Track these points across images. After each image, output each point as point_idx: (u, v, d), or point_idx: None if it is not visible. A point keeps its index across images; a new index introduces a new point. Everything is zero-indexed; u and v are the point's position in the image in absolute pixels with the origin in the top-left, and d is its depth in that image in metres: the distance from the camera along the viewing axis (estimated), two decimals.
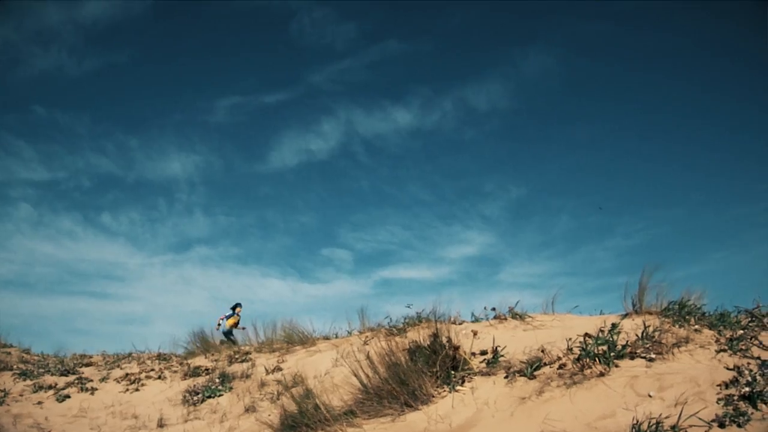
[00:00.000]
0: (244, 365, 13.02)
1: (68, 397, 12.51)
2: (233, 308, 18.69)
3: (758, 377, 5.64)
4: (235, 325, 18.33)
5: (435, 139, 37.24)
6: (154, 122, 39.35)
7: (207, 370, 13.41)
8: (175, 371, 13.87)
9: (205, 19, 37.19)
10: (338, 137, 36.36)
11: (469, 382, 7.40)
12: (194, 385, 11.87)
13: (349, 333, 13.75)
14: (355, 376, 7.73)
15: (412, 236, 35.82)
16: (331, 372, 10.51)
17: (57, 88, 38.10)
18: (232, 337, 18.18)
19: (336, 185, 38.20)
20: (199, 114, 37.93)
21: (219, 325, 18.04)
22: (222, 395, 11.33)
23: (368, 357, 7.86)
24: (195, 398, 11.26)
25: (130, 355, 17.33)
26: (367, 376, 7.62)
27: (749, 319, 8.83)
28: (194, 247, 38.20)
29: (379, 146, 36.49)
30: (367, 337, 12.33)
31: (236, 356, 14.00)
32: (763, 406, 5.33)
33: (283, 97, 36.61)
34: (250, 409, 10.06)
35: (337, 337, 13.86)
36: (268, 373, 11.92)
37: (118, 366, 15.20)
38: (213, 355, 15.13)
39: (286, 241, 37.97)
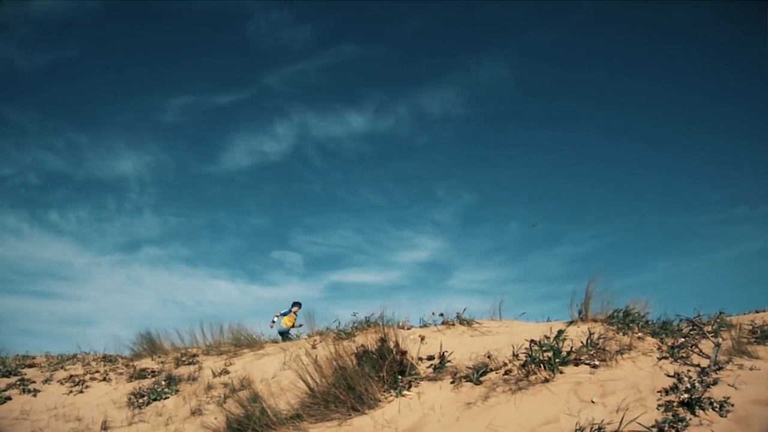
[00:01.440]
0: (191, 368, 12.91)
1: (9, 399, 12.24)
2: (292, 306, 18.42)
3: (697, 384, 5.77)
4: (293, 324, 18.01)
5: (388, 143, 37.38)
6: (105, 120, 38.81)
7: (153, 372, 13.26)
8: (121, 373, 13.68)
9: (160, 17, 36.90)
10: (291, 140, 36.25)
11: (415, 387, 7.45)
12: (140, 388, 11.73)
13: (298, 336, 13.74)
14: (302, 380, 7.72)
15: (364, 240, 35.88)
16: (279, 375, 10.48)
17: (5, 81, 37.36)
18: (289, 336, 17.90)
19: (288, 188, 38.08)
20: (151, 113, 37.52)
21: (273, 322, 17.70)
22: (168, 398, 11.22)
23: (316, 361, 7.86)
24: (140, 401, 11.13)
25: (74, 356, 16.98)
26: (315, 380, 7.62)
27: (690, 327, 9.04)
28: (143, 248, 37.76)
29: (332, 150, 36.50)
30: (315, 340, 12.35)
31: (183, 358, 13.87)
32: (701, 412, 5.46)
33: (237, 98, 36.40)
34: (196, 413, 9.98)
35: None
36: (215, 376, 11.84)
37: (62, 367, 14.91)
38: (160, 357, 14.96)
39: (237, 243, 37.75)
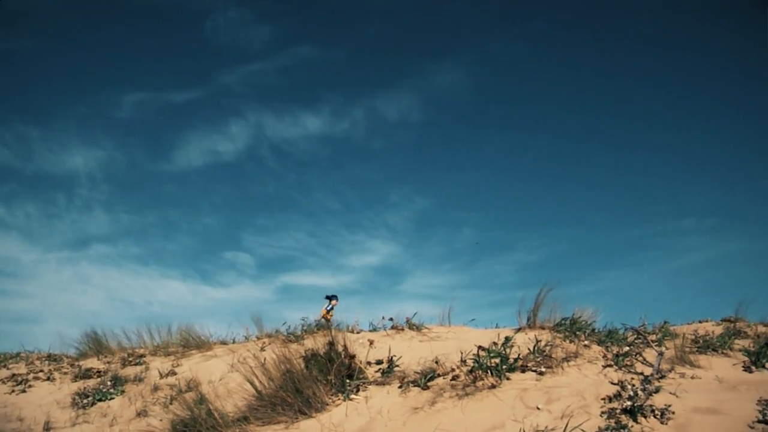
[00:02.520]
0: (138, 368, 12.73)
1: None
2: (329, 299, 18.00)
3: (640, 392, 5.86)
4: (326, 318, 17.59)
5: (344, 147, 37.06)
6: (57, 113, 37.86)
7: (99, 372, 13.04)
8: (66, 373, 13.44)
9: (117, 10, 36.18)
10: (246, 140, 35.72)
11: (363, 391, 7.46)
12: (84, 388, 11.53)
13: (247, 338, 13.63)
14: (250, 382, 7.67)
15: (316, 243, 35.53)
16: (227, 377, 10.40)
17: None
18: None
19: (242, 188, 37.52)
20: (104, 108, 36.68)
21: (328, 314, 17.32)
22: (113, 398, 11.05)
23: (264, 363, 7.82)
24: (85, 401, 10.94)
25: (18, 354, 16.60)
26: (262, 382, 7.58)
27: (635, 336, 9.19)
28: (93, 245, 36.95)
29: (287, 151, 36.08)
30: (264, 343, 12.27)
31: (130, 359, 13.68)
32: (643, 419, 5.56)
33: (192, 96, 35.73)
34: (141, 414, 9.86)
35: (234, 342, 13.70)
36: (162, 377, 11.69)
37: (5, 366, 14.60)
38: (106, 357, 14.72)
39: (189, 243, 37.09)
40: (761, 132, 34.19)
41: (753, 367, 8.15)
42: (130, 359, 13.61)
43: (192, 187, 36.34)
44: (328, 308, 16.91)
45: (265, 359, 8.11)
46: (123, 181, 36.19)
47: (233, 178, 36.98)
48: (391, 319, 10.92)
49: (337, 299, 17.25)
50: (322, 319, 16.92)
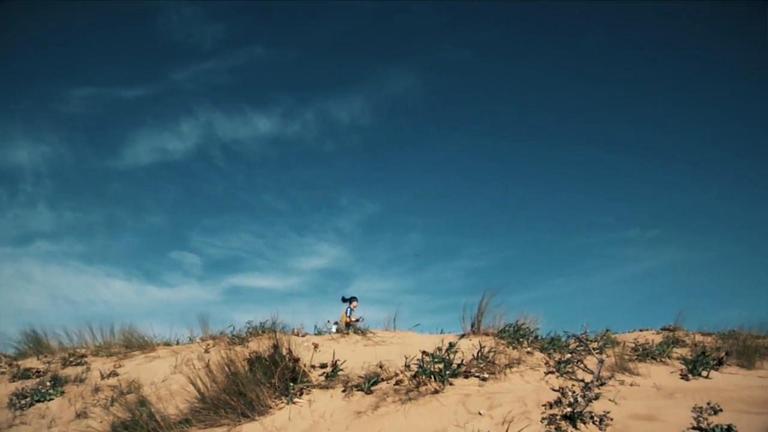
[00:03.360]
0: (79, 369, 12.51)
1: None
2: (348, 301, 17.71)
3: (580, 399, 5.94)
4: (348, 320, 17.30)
5: (294, 149, 36.86)
6: (2, 107, 37.13)
7: (38, 372, 12.80)
8: (3, 372, 13.16)
9: (66, 3, 35.59)
10: (196, 139, 35.31)
11: (307, 394, 7.44)
12: (23, 388, 11.30)
13: (191, 340, 13.50)
14: (193, 384, 7.60)
15: (264, 245, 35.27)
16: (169, 379, 10.30)
17: None
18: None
19: (190, 188, 37.08)
20: (51, 102, 35.96)
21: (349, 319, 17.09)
22: (53, 399, 10.85)
23: (208, 366, 7.76)
24: (22, 402, 10.73)
25: None
26: (205, 385, 7.51)
27: (577, 343, 9.32)
28: (35, 242, 36.21)
29: (237, 151, 35.76)
30: (208, 345, 12.17)
31: (71, 359, 13.45)
32: (582, 425, 5.65)
33: (142, 93, 35.20)
34: (81, 415, 9.69)
35: (178, 343, 13.55)
36: (103, 377, 11.51)
37: None
38: (46, 356, 14.45)
39: (134, 242, 36.53)
40: (702, 149, 35.02)
41: (690, 375, 8.35)
42: (71, 359, 13.38)
43: (139, 185, 35.85)
44: (348, 312, 16.74)
45: (209, 361, 8.04)
46: (68, 177, 35.51)
47: (182, 178, 36.59)
48: (336, 323, 10.92)
49: (357, 300, 17.04)
50: (343, 325, 16.73)
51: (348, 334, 16.44)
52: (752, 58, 31.63)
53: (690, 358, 9.18)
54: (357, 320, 16.77)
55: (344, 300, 16.64)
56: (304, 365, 7.85)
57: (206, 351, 11.44)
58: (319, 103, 36.95)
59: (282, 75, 37.18)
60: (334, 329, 16.27)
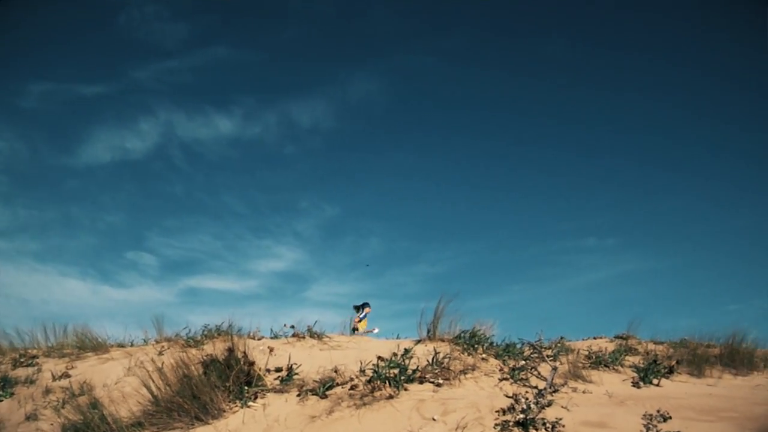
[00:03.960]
0: (30, 369, 12.31)
1: None
2: (362, 307, 17.52)
3: (532, 405, 6.00)
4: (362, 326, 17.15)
5: (255, 150, 36.60)
6: None
7: None
8: None
9: None
10: (156, 138, 34.85)
11: (261, 398, 7.41)
12: None
13: (145, 342, 13.36)
14: (146, 387, 7.52)
15: (222, 247, 34.97)
16: (123, 381, 10.18)
17: None
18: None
19: (149, 187, 36.60)
20: (7, 96, 35.30)
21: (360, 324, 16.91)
22: (1, 401, 10.66)
23: (161, 368, 7.69)
24: None
25: None
26: (159, 387, 7.44)
27: (532, 350, 9.41)
28: None
29: (197, 152, 35.39)
30: (163, 347, 12.06)
31: (21, 359, 13.24)
32: (535, 431, 5.71)
33: (102, 90, 34.64)
34: (31, 418, 9.54)
35: (132, 345, 13.40)
36: (54, 379, 11.35)
37: None
38: None
39: (90, 241, 35.92)
40: (658, 159, 35.56)
41: (641, 383, 8.48)
42: (22, 360, 13.15)
43: (97, 183, 35.32)
44: (361, 317, 16.59)
45: (163, 363, 7.99)
46: (24, 173, 34.87)
47: (140, 177, 36.14)
48: (292, 327, 10.90)
49: (369, 306, 16.86)
50: (362, 330, 16.56)
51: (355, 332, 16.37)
52: (723, 70, 32.27)
53: (642, 366, 9.32)
54: (369, 331, 16.67)
55: (356, 307, 16.58)
56: (259, 369, 7.82)
57: (160, 353, 11.33)
58: (281, 106, 36.83)
59: (244, 76, 36.98)
60: (376, 330, 16.17)
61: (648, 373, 8.85)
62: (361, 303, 17.04)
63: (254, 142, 36.15)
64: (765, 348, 12.14)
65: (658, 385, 8.63)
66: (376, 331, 16.54)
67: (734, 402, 7.18)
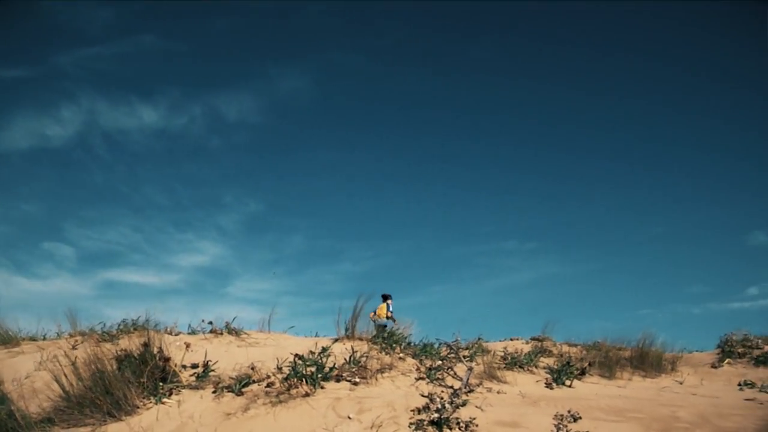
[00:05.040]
0: None
1: None
2: (383, 298, 16.98)
3: (447, 405, 6.08)
4: (387, 316, 16.61)
5: (179, 142, 35.99)
6: None
7: None
8: None
9: None
10: (77, 126, 33.90)
11: (176, 394, 7.32)
12: None
13: (59, 336, 13.04)
14: (57, 382, 7.34)
15: (143, 239, 34.27)
16: (33, 376, 9.92)
17: None
18: (386, 329, 16.55)
19: (68, 176, 35.58)
20: None
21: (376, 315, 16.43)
22: None
23: (74, 363, 7.53)
24: None
25: None
26: (71, 382, 7.28)
27: (449, 350, 9.51)
28: None
29: (120, 142, 34.59)
30: (77, 341, 11.79)
31: None
32: (448, 431, 5.77)
33: (22, 74, 33.55)
34: None
35: (45, 338, 13.03)
36: None
37: None
38: None
39: (4, 230, 34.78)
40: (579, 168, 36.37)
41: (554, 384, 8.66)
42: None
43: (13, 170, 34.21)
44: (389, 308, 16.32)
45: (76, 358, 7.82)
46: None
47: (60, 165, 35.17)
48: (210, 323, 10.76)
49: (391, 298, 16.63)
50: (384, 319, 16.27)
51: (386, 327, 16.17)
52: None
53: (555, 367, 9.52)
54: (389, 316, 16.51)
55: (384, 297, 16.43)
56: (175, 365, 7.72)
57: (74, 347, 11.08)
58: (208, 98, 36.37)
59: (171, 67, 36.34)
60: (391, 325, 15.98)
61: (561, 374, 9.05)
62: (387, 293, 17.01)
63: (179, 134, 35.63)
64: (673, 351, 12.54)
65: (570, 386, 8.83)
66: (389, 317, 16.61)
67: (641, 403, 7.41)
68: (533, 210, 37.71)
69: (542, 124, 38.38)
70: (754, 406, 7.55)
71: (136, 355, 7.58)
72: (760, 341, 13.31)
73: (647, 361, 11.41)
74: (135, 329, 11.06)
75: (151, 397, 7.18)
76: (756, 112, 35.35)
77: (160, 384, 7.35)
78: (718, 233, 35.92)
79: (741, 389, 9.46)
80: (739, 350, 13.03)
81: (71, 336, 12.56)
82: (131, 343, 7.87)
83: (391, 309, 16.40)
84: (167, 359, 7.58)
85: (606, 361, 10.73)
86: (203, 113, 35.52)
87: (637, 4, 33.73)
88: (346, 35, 37.02)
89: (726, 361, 12.70)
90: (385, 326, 16.58)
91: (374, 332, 9.88)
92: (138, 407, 6.98)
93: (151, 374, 7.37)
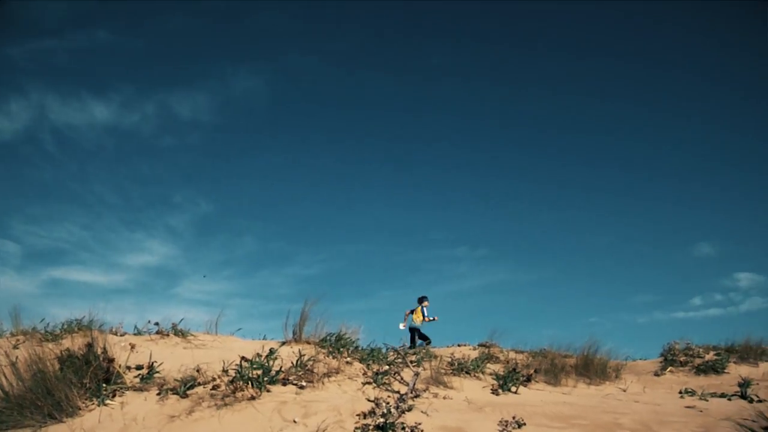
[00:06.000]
0: None
1: None
2: (419, 302, 16.66)
3: (393, 410, 6.10)
4: (423, 319, 16.28)
5: (131, 140, 35.38)
6: None
7: None
8: None
9: None
10: (26, 120, 33.12)
11: (120, 396, 7.22)
12: None
13: (0, 334, 12.83)
14: None
15: (91, 238, 33.61)
16: None
17: None
18: (421, 332, 16.29)
19: (15, 171, 34.76)
20: None
21: (404, 322, 16.09)
22: None
23: (15, 362, 7.39)
24: None
25: None
26: (10, 383, 7.15)
27: (396, 355, 9.53)
28: None
29: (70, 138, 33.88)
30: (18, 340, 11.57)
31: None
32: None
33: None
34: None
35: None
36: None
37: None
38: None
39: None
40: (530, 176, 36.78)
41: (500, 390, 8.73)
42: None
43: None
44: (425, 311, 16.16)
45: (17, 358, 7.68)
46: None
47: (6, 160, 34.42)
48: (156, 324, 10.63)
49: (427, 300, 16.48)
50: (415, 323, 16.12)
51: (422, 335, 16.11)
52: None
53: (502, 374, 9.60)
54: (432, 319, 16.45)
55: (420, 300, 16.32)
56: (119, 366, 7.62)
57: (15, 347, 10.86)
58: (161, 96, 35.92)
59: (125, 63, 35.76)
60: (410, 320, 15.88)
61: (507, 380, 9.13)
62: (422, 296, 16.92)
63: (131, 131, 35.10)
64: (618, 359, 12.75)
65: (516, 392, 8.92)
66: (436, 319, 16.55)
67: (585, 410, 7.50)
68: (484, 217, 37.98)
69: (496, 130, 38.68)
70: (694, 414, 7.70)
71: (79, 355, 7.46)
72: (701, 350, 13.61)
73: (592, 369, 11.58)
74: (79, 329, 10.88)
75: (94, 399, 7.06)
76: (704, 128, 36.15)
77: (104, 385, 7.24)
78: (665, 244, 36.61)
79: (682, 397, 9.65)
80: (682, 359, 13.29)
81: (13, 335, 12.31)
82: (75, 343, 7.75)
83: (426, 312, 16.47)
84: (111, 360, 7.48)
85: (552, 368, 10.86)
86: (156, 111, 35.07)
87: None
88: (302, 37, 36.93)
89: (668, 370, 12.95)
90: (418, 329, 16.59)
91: (321, 336, 9.82)
92: (80, 409, 6.86)
93: (94, 375, 7.26)
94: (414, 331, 16.69)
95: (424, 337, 16.39)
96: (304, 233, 38.47)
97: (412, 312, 16.84)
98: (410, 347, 15.62)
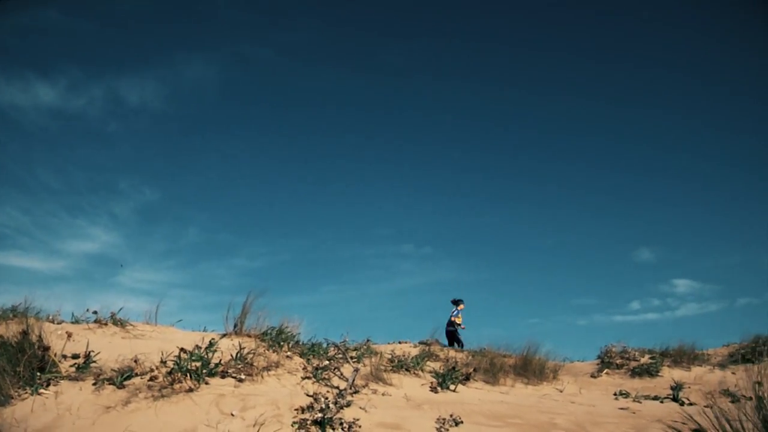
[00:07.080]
0: None
1: None
2: (455, 303, 16.20)
3: (331, 405, 6.12)
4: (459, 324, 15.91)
5: (77, 124, 34.64)
6: None
7: None
8: None
9: None
10: None
11: (55, 385, 7.10)
12: None
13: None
14: None
15: (31, 222, 32.85)
16: None
17: None
18: (458, 336, 16.12)
19: None
20: None
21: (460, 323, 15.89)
22: None
23: None
24: None
25: None
26: None
27: (336, 351, 9.54)
28: None
29: (12, 119, 33.02)
30: None
31: None
32: (331, 431, 5.80)
33: None
34: None
35: None
36: None
37: None
38: None
39: None
40: (478, 176, 37.10)
41: (439, 388, 8.79)
42: None
43: None
44: (455, 313, 15.85)
45: None
46: None
47: None
48: (95, 312, 10.45)
49: (463, 303, 16.16)
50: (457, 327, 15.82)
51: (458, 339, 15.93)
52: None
53: (441, 372, 9.65)
54: (459, 326, 16.22)
55: (455, 303, 16.06)
56: (55, 354, 7.49)
57: None
58: (109, 81, 35.26)
59: (72, 45, 35.00)
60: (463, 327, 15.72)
61: (446, 378, 9.19)
62: (457, 299, 16.69)
63: (77, 115, 34.40)
64: (556, 360, 12.91)
65: (455, 390, 8.99)
66: (464, 328, 16.43)
67: (522, 409, 7.61)
68: (431, 215, 38.24)
69: (444, 129, 38.94)
70: (627, 415, 7.87)
71: (13, 342, 7.31)
72: (637, 353, 13.90)
73: (531, 369, 11.71)
74: (14, 316, 10.66)
75: (27, 388, 6.92)
76: (649, 130, 36.85)
77: (38, 374, 7.10)
78: (606, 248, 37.33)
79: (616, 398, 9.85)
80: (618, 361, 13.56)
81: None
82: (8, 330, 7.60)
83: (459, 315, 16.35)
84: (47, 348, 7.35)
85: (491, 368, 10.97)
86: (103, 96, 34.42)
87: None
88: (256, 27, 36.67)
89: (605, 372, 13.20)
90: (455, 331, 16.50)
91: (262, 329, 9.77)
92: (12, 398, 6.72)
93: (28, 363, 7.12)
94: (451, 334, 16.73)
95: (459, 341, 16.54)
96: (250, 225, 38.28)
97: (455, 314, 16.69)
98: (457, 346, 15.75)
